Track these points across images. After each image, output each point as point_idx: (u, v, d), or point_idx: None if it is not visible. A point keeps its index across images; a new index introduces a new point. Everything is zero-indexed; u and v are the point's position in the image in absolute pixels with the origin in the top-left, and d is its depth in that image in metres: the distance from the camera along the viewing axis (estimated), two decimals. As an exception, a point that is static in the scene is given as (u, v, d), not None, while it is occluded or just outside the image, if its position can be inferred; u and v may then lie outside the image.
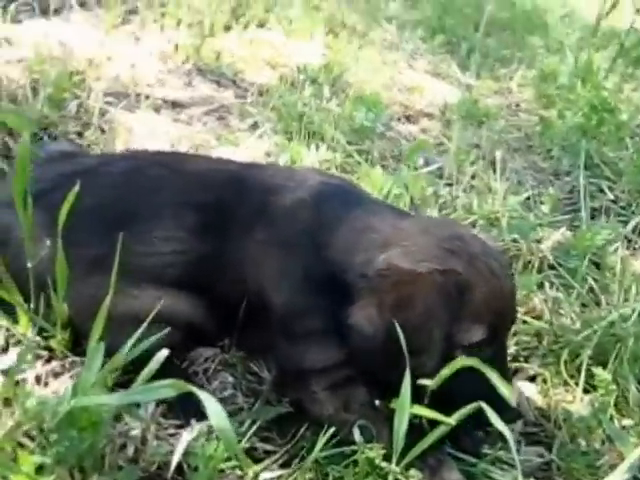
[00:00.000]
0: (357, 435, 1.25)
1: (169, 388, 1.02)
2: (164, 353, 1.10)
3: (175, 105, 2.52)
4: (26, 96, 2.22)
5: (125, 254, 1.35)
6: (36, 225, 1.31)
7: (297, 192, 1.43)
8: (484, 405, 1.15)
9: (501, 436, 1.42)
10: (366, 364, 1.29)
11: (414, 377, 1.19)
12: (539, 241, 2.09)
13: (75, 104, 2.27)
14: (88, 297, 1.34)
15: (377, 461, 1.22)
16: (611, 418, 1.51)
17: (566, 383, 1.62)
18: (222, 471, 1.23)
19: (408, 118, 3.04)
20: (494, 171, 2.45)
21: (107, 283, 1.28)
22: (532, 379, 1.66)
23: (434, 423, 1.20)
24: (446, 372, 1.18)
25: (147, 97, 2.48)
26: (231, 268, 1.39)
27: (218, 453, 1.17)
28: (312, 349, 1.36)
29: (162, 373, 1.06)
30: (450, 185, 2.34)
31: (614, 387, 1.49)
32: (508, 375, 1.36)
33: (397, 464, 1.20)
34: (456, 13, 4.20)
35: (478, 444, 1.40)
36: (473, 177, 2.41)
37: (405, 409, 1.18)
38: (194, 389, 0.98)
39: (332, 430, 1.24)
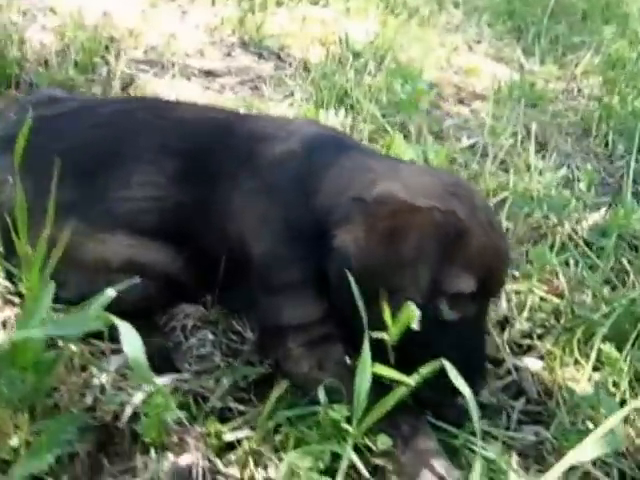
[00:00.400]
0: (322, 395, 1.15)
1: (98, 320, 0.96)
2: (110, 293, 1.03)
3: (209, 74, 2.49)
4: (56, 61, 2.22)
5: (99, 198, 1.31)
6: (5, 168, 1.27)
7: (288, 141, 1.35)
8: (447, 365, 1.03)
9: (496, 411, 1.36)
10: (341, 294, 1.15)
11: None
12: (577, 221, 1.93)
13: (105, 70, 2.26)
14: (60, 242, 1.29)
15: (341, 424, 1.12)
16: (623, 402, 1.36)
17: (577, 362, 1.48)
18: (181, 424, 1.16)
19: (461, 100, 2.91)
20: (539, 152, 2.30)
21: (78, 228, 1.24)
22: (543, 358, 1.52)
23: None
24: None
25: (183, 66, 2.45)
26: (213, 218, 1.33)
27: (164, 403, 1.09)
28: (290, 304, 1.28)
29: (136, 326, 0.99)
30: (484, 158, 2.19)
31: (623, 365, 1.35)
32: (484, 342, 1.27)
33: (360, 428, 1.09)
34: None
35: (461, 414, 1.27)
36: (512, 155, 2.25)
37: (366, 366, 1.07)
38: (116, 320, 0.93)
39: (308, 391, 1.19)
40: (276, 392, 1.10)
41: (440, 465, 1.13)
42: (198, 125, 1.41)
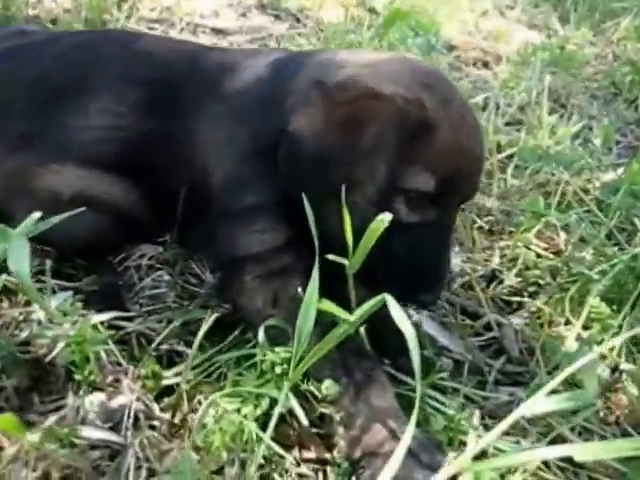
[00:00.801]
0: (261, 334, 1.04)
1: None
2: (34, 217, 0.95)
3: (220, 32, 2.41)
4: (66, 18, 2.17)
5: (55, 128, 1.25)
6: None
7: (255, 67, 1.26)
8: (389, 300, 0.89)
9: (472, 369, 1.24)
10: (291, 186, 1.07)
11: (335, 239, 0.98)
12: (588, 179, 1.79)
13: (113, 26, 2.19)
14: (12, 173, 1.23)
15: (277, 368, 1.01)
16: (616, 369, 1.24)
17: (568, 322, 1.35)
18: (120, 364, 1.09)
19: (485, 64, 2.76)
20: (559, 113, 2.15)
21: (32, 158, 1.17)
22: (534, 315, 1.39)
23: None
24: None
25: (194, 25, 2.37)
26: (176, 148, 1.24)
27: (95, 338, 1.02)
28: (248, 231, 1.17)
29: (89, 264, 0.91)
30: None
31: (614, 322, 1.21)
32: (447, 252, 1.15)
33: (298, 371, 0.97)
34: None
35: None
36: (526, 113, 2.11)
37: (312, 300, 0.94)
38: (11, 237, 0.85)
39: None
40: (204, 328, 1.00)
41: (393, 420, 1.00)
42: (165, 55, 1.32)
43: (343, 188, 0.99)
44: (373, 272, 1.07)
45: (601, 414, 1.20)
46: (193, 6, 2.54)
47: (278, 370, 1.01)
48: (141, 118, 1.24)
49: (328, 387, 1.03)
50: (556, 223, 1.56)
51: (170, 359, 1.15)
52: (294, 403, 0.98)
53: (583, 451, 0.77)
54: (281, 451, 0.96)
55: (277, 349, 1.02)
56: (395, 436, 0.98)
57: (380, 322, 1.08)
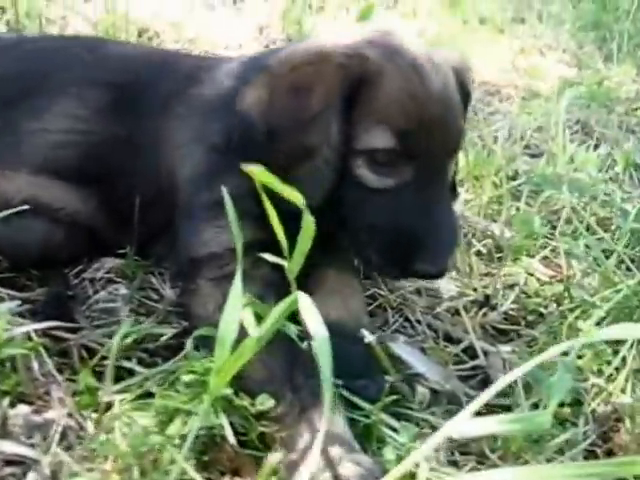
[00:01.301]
0: (189, 344, 0.94)
1: None
2: None
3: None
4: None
5: (11, 131, 1.20)
6: None
7: (223, 68, 1.21)
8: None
9: (450, 399, 1.10)
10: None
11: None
12: (603, 205, 1.64)
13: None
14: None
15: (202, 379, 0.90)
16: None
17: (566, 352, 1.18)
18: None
19: (515, 98, 2.64)
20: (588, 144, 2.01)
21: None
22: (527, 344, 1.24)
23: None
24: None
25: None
26: (140, 152, 1.18)
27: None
28: (207, 229, 1.08)
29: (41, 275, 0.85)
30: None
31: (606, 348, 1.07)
32: (443, 218, 1.04)
33: (222, 385, 0.84)
34: (615, 11, 3.67)
35: (379, 390, 1.03)
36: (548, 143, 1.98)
37: (236, 305, 0.82)
38: None
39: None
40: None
41: (339, 445, 0.87)
42: (132, 60, 1.28)
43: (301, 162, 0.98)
44: (364, 252, 1.04)
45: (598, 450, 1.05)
46: (217, 38, 2.51)
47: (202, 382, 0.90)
48: (104, 122, 1.19)
49: (262, 402, 0.91)
50: (560, 250, 1.41)
51: (118, 375, 1.04)
52: (223, 421, 0.87)
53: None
54: (196, 475, 0.83)
55: (203, 360, 0.91)
56: (334, 463, 0.85)
57: (341, 341, 0.96)
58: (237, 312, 0.82)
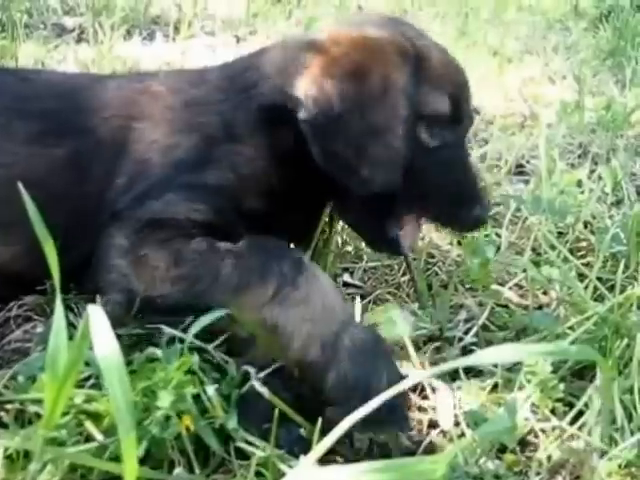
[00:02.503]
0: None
1: None
2: None
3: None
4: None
5: None
6: None
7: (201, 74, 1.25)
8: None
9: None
10: (322, 149, 1.03)
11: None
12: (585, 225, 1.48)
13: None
14: None
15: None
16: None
17: (522, 386, 1.03)
18: None
19: (524, 127, 2.48)
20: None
21: None
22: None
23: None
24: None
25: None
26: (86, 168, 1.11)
27: None
28: (178, 203, 1.05)
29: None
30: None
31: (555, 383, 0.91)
32: (473, 174, 1.20)
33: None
34: (633, 38, 3.49)
35: (299, 445, 0.89)
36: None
37: (61, 326, 0.71)
38: None
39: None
40: None
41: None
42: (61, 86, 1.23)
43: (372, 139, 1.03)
44: (422, 205, 1.15)
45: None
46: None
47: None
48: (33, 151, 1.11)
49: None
50: (535, 276, 1.25)
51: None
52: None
53: None
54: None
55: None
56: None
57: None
58: (63, 332, 0.70)
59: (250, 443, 0.87)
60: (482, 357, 0.58)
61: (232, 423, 0.87)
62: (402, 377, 0.91)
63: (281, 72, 1.10)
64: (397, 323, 1.10)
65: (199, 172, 1.07)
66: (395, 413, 0.91)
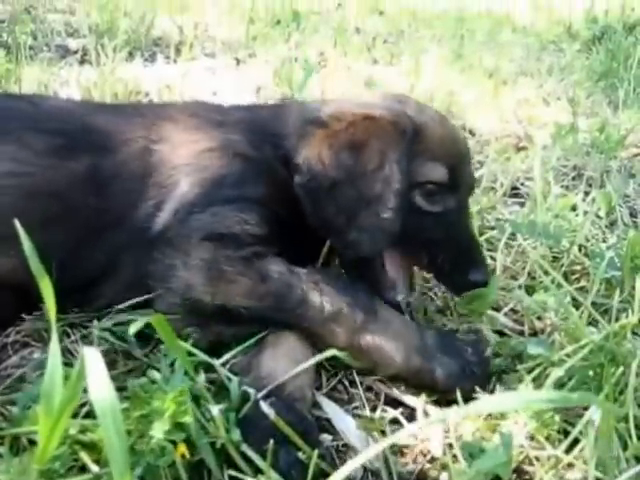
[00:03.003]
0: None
1: None
2: None
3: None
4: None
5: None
6: None
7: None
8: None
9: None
10: (313, 212, 1.13)
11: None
12: (581, 250, 1.46)
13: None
14: None
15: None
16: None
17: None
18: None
19: (520, 149, 2.47)
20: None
21: None
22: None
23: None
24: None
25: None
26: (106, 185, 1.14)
27: None
28: (230, 217, 1.12)
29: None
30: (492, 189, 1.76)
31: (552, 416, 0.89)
32: (474, 239, 1.24)
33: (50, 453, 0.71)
34: (626, 60, 3.49)
35: (294, 463, 0.88)
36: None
37: (57, 363, 0.70)
38: None
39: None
40: None
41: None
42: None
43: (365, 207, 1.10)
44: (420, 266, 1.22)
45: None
46: (212, 99, 2.43)
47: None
48: (52, 163, 1.13)
49: None
50: (532, 306, 1.24)
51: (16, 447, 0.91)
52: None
53: None
54: None
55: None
56: None
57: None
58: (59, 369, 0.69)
59: (249, 461, 0.86)
60: (484, 404, 0.57)
61: (236, 436, 0.87)
62: (480, 341, 1.13)
63: (295, 136, 1.20)
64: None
65: (237, 187, 1.14)
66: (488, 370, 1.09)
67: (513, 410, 0.96)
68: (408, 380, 1.07)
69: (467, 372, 1.05)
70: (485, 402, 0.55)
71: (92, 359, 0.61)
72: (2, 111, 1.20)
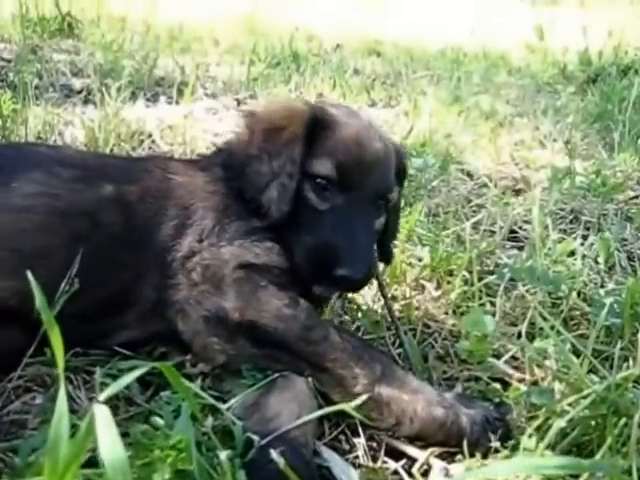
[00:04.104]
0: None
1: None
2: None
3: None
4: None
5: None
6: None
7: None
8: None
9: None
10: (241, 184, 1.26)
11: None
12: (582, 297, 1.46)
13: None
14: None
15: None
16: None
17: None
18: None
19: (516, 191, 2.49)
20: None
21: None
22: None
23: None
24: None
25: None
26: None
27: None
28: (256, 247, 1.21)
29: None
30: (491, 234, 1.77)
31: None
32: (362, 236, 1.23)
33: None
34: (621, 102, 3.53)
35: None
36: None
37: (64, 409, 0.69)
38: None
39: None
40: None
41: None
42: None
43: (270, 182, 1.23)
44: (298, 259, 1.22)
45: None
46: (213, 140, 2.46)
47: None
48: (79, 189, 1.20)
49: None
50: (533, 356, 1.23)
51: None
52: None
53: None
54: None
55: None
56: None
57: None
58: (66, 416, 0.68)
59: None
60: (494, 469, 0.56)
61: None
62: (502, 403, 1.13)
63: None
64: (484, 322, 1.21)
65: (246, 219, 1.24)
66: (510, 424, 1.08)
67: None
68: (431, 435, 1.05)
69: (491, 422, 1.04)
70: (496, 467, 0.54)
71: (102, 417, 0.61)
72: (30, 152, 1.29)
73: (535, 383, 1.23)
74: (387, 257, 1.42)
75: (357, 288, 1.27)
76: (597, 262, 1.70)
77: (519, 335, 1.37)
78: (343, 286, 1.23)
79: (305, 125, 1.25)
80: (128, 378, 0.73)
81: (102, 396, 0.69)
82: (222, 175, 1.30)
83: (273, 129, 1.27)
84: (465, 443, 1.02)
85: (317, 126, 1.26)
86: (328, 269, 1.16)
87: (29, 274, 0.75)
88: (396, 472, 1.03)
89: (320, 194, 1.23)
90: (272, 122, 1.28)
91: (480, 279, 1.54)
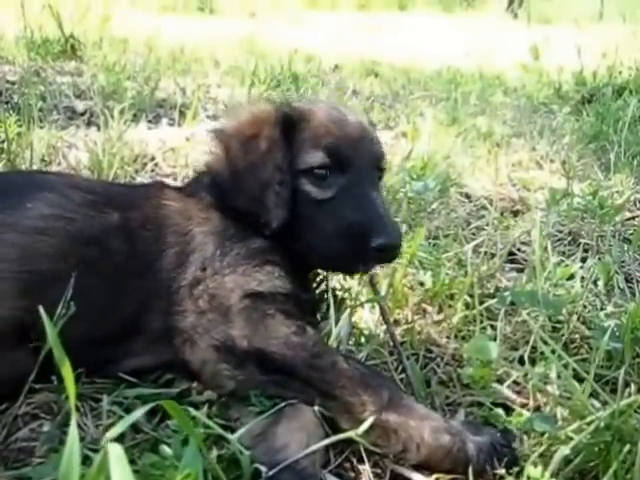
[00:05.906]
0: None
1: None
2: None
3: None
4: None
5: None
6: None
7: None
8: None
9: None
10: (234, 201, 1.27)
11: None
12: (582, 321, 1.46)
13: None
14: None
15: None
16: None
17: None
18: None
19: (514, 213, 2.50)
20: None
21: None
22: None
23: None
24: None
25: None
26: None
27: None
28: (260, 273, 1.22)
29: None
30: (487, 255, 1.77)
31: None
32: (381, 209, 1.24)
33: None
34: (616, 123, 3.55)
35: None
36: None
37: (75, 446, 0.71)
38: None
39: None
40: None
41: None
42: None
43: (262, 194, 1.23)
44: (327, 254, 1.24)
45: None
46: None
47: None
48: (89, 212, 1.21)
49: None
50: (536, 384, 1.23)
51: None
52: None
53: None
54: None
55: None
56: None
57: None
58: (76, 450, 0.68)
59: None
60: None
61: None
62: (508, 430, 1.10)
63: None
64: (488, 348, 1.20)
65: (244, 240, 1.24)
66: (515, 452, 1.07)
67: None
68: (438, 462, 1.04)
69: (498, 449, 1.03)
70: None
71: (116, 456, 0.61)
72: (42, 177, 1.34)
73: (538, 408, 1.23)
74: None
75: (396, 254, 1.25)
76: (596, 284, 1.70)
77: (520, 359, 1.38)
78: (384, 255, 1.22)
79: (277, 126, 1.26)
80: (137, 413, 0.73)
81: (111, 432, 0.69)
82: (211, 198, 1.30)
83: (247, 139, 1.27)
84: (471, 470, 1.01)
85: (289, 122, 1.27)
86: (365, 245, 1.18)
87: (40, 309, 0.75)
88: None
89: (321, 184, 1.24)
90: (243, 133, 1.29)
91: (481, 302, 1.54)
